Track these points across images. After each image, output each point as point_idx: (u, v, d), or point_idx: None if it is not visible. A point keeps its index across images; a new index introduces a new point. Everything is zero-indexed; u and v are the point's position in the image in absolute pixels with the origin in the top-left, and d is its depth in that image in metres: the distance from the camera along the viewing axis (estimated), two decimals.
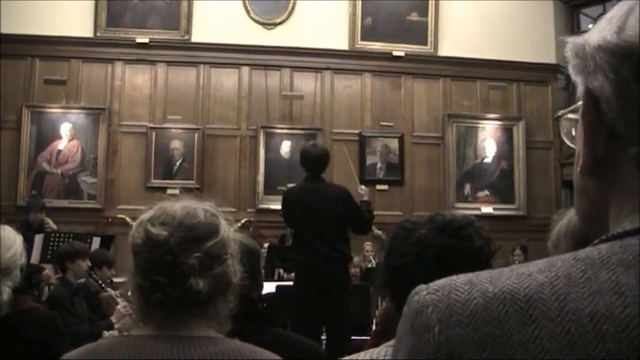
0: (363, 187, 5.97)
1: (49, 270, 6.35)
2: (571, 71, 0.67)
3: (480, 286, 0.58)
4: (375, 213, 9.36)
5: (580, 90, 0.66)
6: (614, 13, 0.65)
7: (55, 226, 7.38)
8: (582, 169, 0.67)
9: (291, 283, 5.64)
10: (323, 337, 5.23)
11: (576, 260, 0.58)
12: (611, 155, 0.64)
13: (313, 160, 5.35)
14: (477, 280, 0.59)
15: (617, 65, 0.62)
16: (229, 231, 1.52)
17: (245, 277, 1.56)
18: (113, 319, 4.98)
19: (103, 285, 5.62)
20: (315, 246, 5.13)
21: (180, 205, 1.50)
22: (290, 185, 7.87)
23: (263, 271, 2.19)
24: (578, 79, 0.66)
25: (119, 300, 5.22)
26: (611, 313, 0.52)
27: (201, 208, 1.50)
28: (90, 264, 5.52)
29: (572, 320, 0.53)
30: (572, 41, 0.67)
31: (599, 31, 0.64)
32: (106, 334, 4.66)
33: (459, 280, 0.59)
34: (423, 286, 0.61)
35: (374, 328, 5.54)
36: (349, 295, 5.33)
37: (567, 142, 0.73)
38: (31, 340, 2.43)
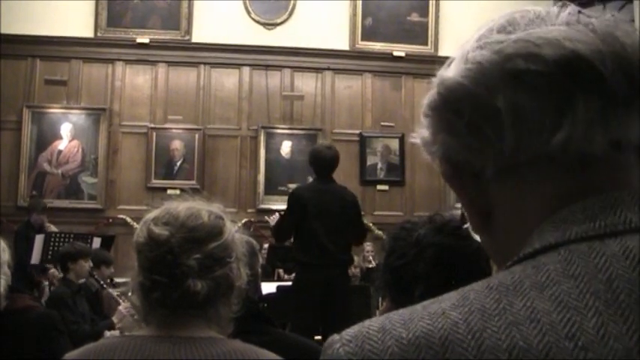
0: None
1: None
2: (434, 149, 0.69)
3: (394, 332, 0.55)
4: (376, 213, 9.39)
5: (437, 165, 0.69)
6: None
7: (55, 229, 7.39)
8: (476, 230, 0.68)
9: (291, 283, 5.61)
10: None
11: (489, 289, 0.56)
12: (489, 202, 0.65)
13: (328, 162, 5.30)
14: (390, 324, 0.56)
15: (439, 114, 0.66)
16: (235, 234, 1.52)
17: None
18: (114, 319, 4.99)
19: (104, 285, 5.63)
20: (326, 247, 5.07)
21: (184, 206, 1.50)
22: (292, 185, 7.87)
23: (260, 270, 2.19)
24: (432, 153, 0.69)
25: (121, 300, 5.24)
26: (529, 344, 0.50)
27: (205, 209, 1.50)
28: (91, 264, 5.53)
29: (490, 359, 0.51)
30: (418, 138, 0.70)
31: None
32: (107, 333, 4.67)
33: (372, 326, 0.57)
34: (335, 337, 0.58)
35: None
36: (351, 296, 5.33)
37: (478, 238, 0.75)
38: (29, 338, 2.43)
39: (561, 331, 0.50)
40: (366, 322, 0.58)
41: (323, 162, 5.28)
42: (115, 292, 5.46)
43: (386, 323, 0.56)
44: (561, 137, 0.59)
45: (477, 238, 0.73)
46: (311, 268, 5.11)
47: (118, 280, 5.88)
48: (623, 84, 0.59)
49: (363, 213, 5.60)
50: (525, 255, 0.58)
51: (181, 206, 1.50)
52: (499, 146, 0.61)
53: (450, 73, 0.65)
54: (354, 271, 7.36)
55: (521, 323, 0.51)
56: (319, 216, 5.10)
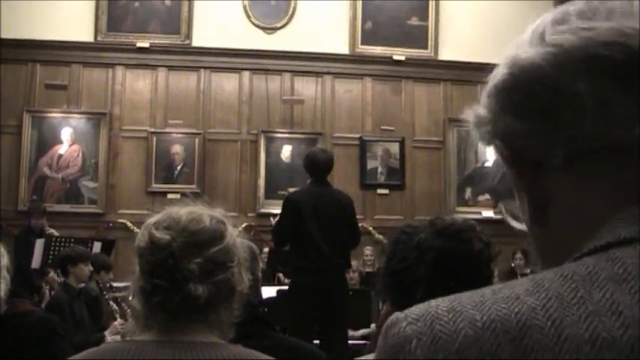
0: None
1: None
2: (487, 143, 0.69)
3: (466, 314, 0.52)
4: (376, 217, 9.37)
5: (493, 158, 0.68)
6: None
7: (57, 234, 7.39)
8: (529, 221, 0.67)
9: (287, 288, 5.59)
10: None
11: (564, 278, 0.53)
12: (547, 193, 0.63)
13: (324, 165, 5.31)
14: (460, 306, 0.53)
15: (508, 95, 0.65)
16: (237, 239, 1.52)
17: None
18: (107, 333, 4.99)
19: (105, 292, 5.63)
20: (323, 250, 5.05)
21: (186, 211, 1.50)
22: (291, 190, 7.85)
23: (260, 275, 2.19)
24: (484, 134, 0.69)
25: (117, 315, 5.27)
26: (614, 337, 0.48)
27: (207, 214, 1.50)
28: (91, 268, 5.53)
29: (571, 348, 0.49)
30: (470, 115, 0.72)
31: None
32: (108, 338, 4.68)
33: (440, 306, 0.54)
34: (400, 315, 0.55)
35: (375, 331, 5.55)
36: (348, 300, 5.33)
37: (514, 224, 0.72)
38: (29, 342, 2.43)
39: None
40: (432, 302, 0.55)
41: (318, 165, 5.30)
42: (114, 305, 5.46)
43: (455, 304, 0.54)
44: None
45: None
46: (308, 273, 5.08)
47: (116, 284, 5.87)
48: None
49: (363, 217, 5.61)
50: (597, 247, 0.56)
51: (183, 211, 1.50)
52: (572, 132, 0.60)
53: (525, 54, 0.65)
54: (352, 275, 7.35)
55: (603, 314, 0.50)
56: (315, 219, 5.10)
